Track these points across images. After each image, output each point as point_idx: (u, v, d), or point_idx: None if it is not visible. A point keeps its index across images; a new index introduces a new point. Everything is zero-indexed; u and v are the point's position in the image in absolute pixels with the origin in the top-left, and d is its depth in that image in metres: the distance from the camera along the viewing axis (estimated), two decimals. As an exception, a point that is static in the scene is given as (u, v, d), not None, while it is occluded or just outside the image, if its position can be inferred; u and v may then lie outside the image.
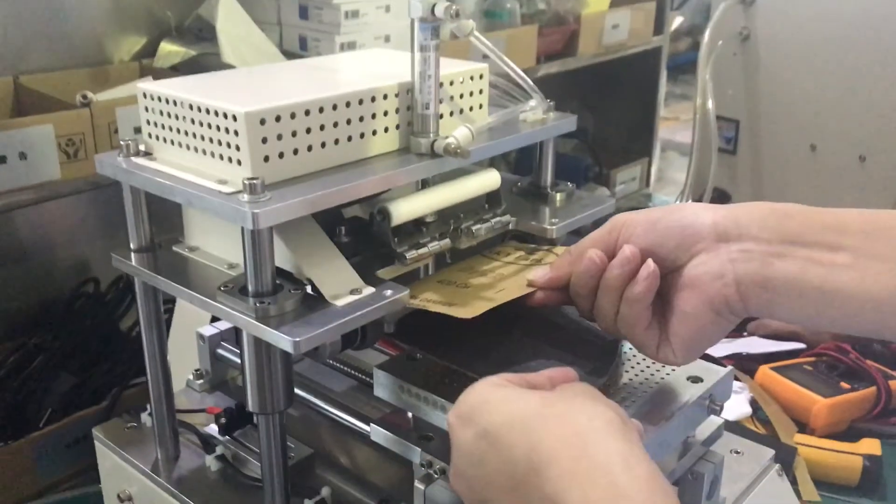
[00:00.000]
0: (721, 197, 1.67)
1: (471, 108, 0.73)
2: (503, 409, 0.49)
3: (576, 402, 0.49)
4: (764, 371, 1.28)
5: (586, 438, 0.46)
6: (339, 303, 0.60)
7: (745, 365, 1.32)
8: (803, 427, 1.21)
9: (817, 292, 0.53)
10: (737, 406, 1.20)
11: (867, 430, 1.21)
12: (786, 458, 1.07)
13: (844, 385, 1.24)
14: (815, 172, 1.57)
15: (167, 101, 0.64)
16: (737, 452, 0.78)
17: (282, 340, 0.56)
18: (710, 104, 1.57)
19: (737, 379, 1.27)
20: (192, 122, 0.62)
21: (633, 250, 0.58)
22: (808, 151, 1.58)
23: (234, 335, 0.84)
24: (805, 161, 1.58)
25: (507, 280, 0.68)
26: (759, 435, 1.15)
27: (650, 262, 0.57)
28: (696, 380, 0.65)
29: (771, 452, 0.79)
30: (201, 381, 0.86)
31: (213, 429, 0.78)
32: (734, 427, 1.03)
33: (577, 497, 0.43)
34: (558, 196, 0.79)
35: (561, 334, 0.67)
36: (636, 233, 0.59)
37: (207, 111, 0.60)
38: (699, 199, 1.65)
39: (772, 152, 1.63)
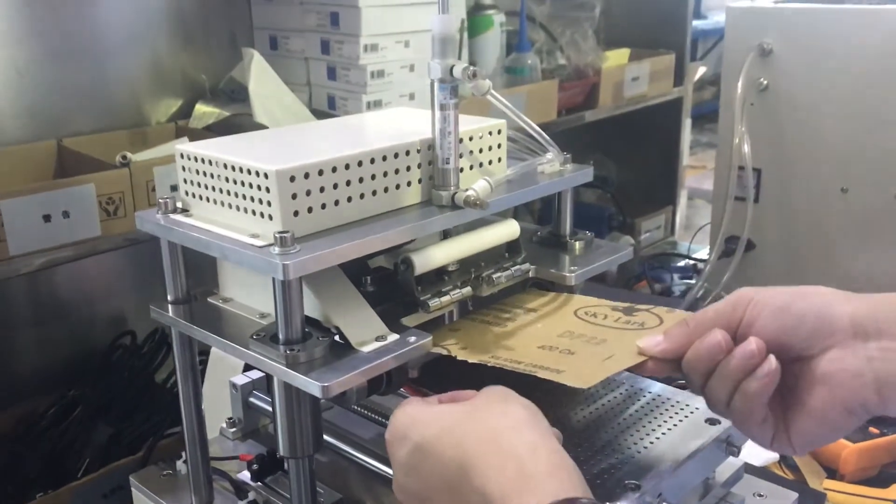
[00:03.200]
0: (748, 246, 1.68)
1: (490, 162, 0.76)
2: (432, 423, 0.56)
3: (491, 405, 0.56)
4: (791, 417, 1.28)
5: (499, 434, 0.53)
6: (366, 349, 0.62)
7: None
8: (832, 472, 1.19)
9: None
10: (763, 451, 1.19)
11: (898, 476, 1.19)
12: (815, 504, 1.07)
13: (873, 430, 1.23)
14: (848, 215, 1.57)
15: (203, 161, 0.68)
16: (760, 496, 0.79)
17: (311, 386, 0.59)
18: (745, 150, 1.59)
19: (764, 425, 1.27)
20: (227, 180, 0.66)
21: (759, 344, 0.55)
22: (838, 194, 1.58)
23: (266, 384, 0.87)
24: (836, 204, 1.58)
25: (613, 345, 0.65)
26: (787, 480, 1.15)
27: (772, 360, 0.55)
28: (713, 421, 0.67)
29: (795, 495, 0.79)
30: (234, 429, 0.88)
31: (245, 475, 0.81)
32: (761, 472, 1.03)
33: (495, 485, 0.50)
34: (577, 244, 0.82)
35: None
36: (763, 314, 0.56)
37: (241, 170, 0.64)
38: (729, 248, 1.65)
39: (799, 198, 1.64)
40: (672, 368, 0.60)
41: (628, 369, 0.61)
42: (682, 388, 0.71)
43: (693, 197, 2.93)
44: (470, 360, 0.65)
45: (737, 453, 0.68)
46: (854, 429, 0.56)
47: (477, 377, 0.65)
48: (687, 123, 2.29)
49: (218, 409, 0.89)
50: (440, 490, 0.53)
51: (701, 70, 3.64)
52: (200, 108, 1.40)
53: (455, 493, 0.52)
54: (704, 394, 0.58)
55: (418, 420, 0.57)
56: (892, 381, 0.53)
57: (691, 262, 2.03)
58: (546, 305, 0.76)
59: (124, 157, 1.13)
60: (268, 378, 0.77)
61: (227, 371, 0.91)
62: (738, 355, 0.55)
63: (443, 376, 0.69)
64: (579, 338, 0.68)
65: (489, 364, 0.64)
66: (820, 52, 1.55)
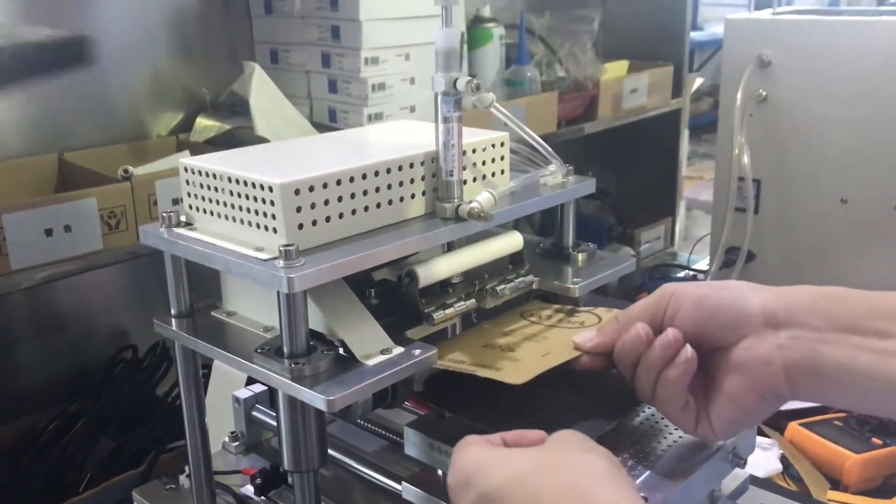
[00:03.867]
0: (748, 257, 1.68)
1: (493, 174, 0.76)
2: (500, 470, 0.52)
3: (569, 455, 0.52)
4: (793, 427, 1.28)
5: (582, 491, 0.49)
6: (370, 362, 0.62)
7: (774, 421, 1.32)
8: (836, 484, 1.19)
9: (868, 380, 0.53)
10: (767, 463, 1.19)
11: (902, 487, 1.19)
12: (819, 516, 1.07)
13: (876, 440, 1.23)
14: (848, 225, 1.58)
15: (207, 175, 0.68)
16: (765, 507, 0.78)
17: (316, 399, 0.59)
18: (745, 161, 1.59)
19: (766, 435, 1.27)
20: (231, 193, 0.66)
21: (675, 334, 0.58)
22: (838, 205, 1.59)
23: (269, 398, 0.86)
24: (836, 214, 1.59)
25: (552, 342, 0.69)
26: (791, 492, 1.14)
27: (688, 349, 0.58)
28: (719, 433, 0.67)
29: (799, 507, 0.79)
30: (237, 443, 0.88)
31: (248, 490, 0.80)
32: (765, 484, 1.03)
33: None
34: (580, 256, 0.82)
35: (585, 383, 0.68)
36: (684, 307, 0.60)
37: (245, 183, 0.64)
38: (730, 259, 1.65)
39: (799, 209, 1.64)
40: (606, 362, 0.64)
41: (565, 364, 0.64)
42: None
43: (691, 208, 2.93)
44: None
45: (743, 465, 0.67)
46: (769, 414, 0.59)
47: (486, 389, 0.65)
48: (685, 134, 2.30)
49: (221, 423, 0.89)
50: None
51: (698, 81, 3.65)
52: (201, 121, 1.40)
53: None
54: (634, 384, 0.62)
55: (484, 465, 0.53)
56: (800, 368, 0.55)
57: (692, 272, 2.04)
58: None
59: (126, 171, 1.13)
60: (272, 392, 0.76)
61: (229, 385, 0.91)
62: (657, 346, 0.59)
63: (448, 390, 0.69)
64: (521, 336, 0.71)
65: (436, 366, 0.65)
66: (818, 63, 1.56)
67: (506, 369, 0.64)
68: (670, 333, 0.58)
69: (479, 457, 0.54)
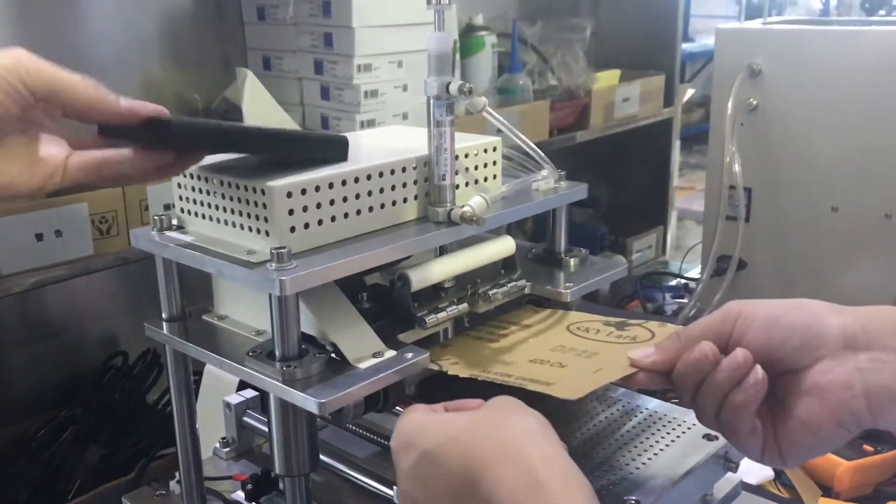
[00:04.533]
0: (739, 265, 1.68)
1: (485, 179, 0.77)
2: (439, 431, 0.55)
3: (503, 416, 0.55)
4: (786, 435, 1.28)
5: (511, 445, 0.51)
6: (362, 366, 0.62)
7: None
8: (828, 491, 1.19)
9: None
10: (759, 469, 1.19)
11: (893, 494, 1.19)
12: (811, 522, 1.07)
13: (868, 447, 1.23)
14: (839, 233, 1.58)
15: (199, 178, 0.68)
16: (757, 512, 0.78)
17: (308, 402, 0.58)
18: (735, 169, 1.60)
19: (758, 443, 1.27)
20: (223, 196, 0.66)
21: (746, 356, 0.55)
22: (829, 213, 1.59)
23: (260, 403, 0.86)
24: (827, 223, 1.59)
25: (603, 358, 0.66)
26: (783, 499, 1.14)
27: (758, 370, 0.55)
28: (711, 437, 0.67)
29: (791, 512, 0.79)
30: (228, 448, 0.87)
31: (239, 496, 0.80)
32: (757, 491, 1.03)
33: (505, 495, 0.49)
34: (572, 261, 0.82)
35: None
36: (753, 327, 0.57)
37: (237, 186, 0.64)
38: (721, 267, 1.66)
39: (790, 217, 1.65)
40: (663, 381, 0.61)
41: (619, 382, 0.61)
42: (679, 404, 0.70)
43: (683, 218, 2.94)
44: (461, 375, 0.65)
45: (735, 469, 0.67)
46: (845, 442, 0.56)
47: (477, 394, 0.64)
48: (676, 144, 2.31)
49: (211, 429, 0.88)
50: (446, 500, 0.52)
51: (689, 92, 3.68)
52: (193, 127, 1.39)
53: (463, 502, 0.51)
54: (694, 406, 0.59)
55: (425, 427, 0.56)
56: (883, 393, 0.52)
57: (683, 281, 2.04)
58: (541, 322, 0.76)
59: (117, 177, 1.13)
60: (263, 395, 0.76)
61: (220, 390, 0.90)
62: (725, 367, 0.55)
63: (440, 394, 0.69)
64: (571, 351, 0.68)
65: (480, 378, 0.64)
66: (809, 72, 1.57)
67: (558, 384, 0.61)
68: (740, 354, 0.55)
69: (419, 420, 0.56)
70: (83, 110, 0.60)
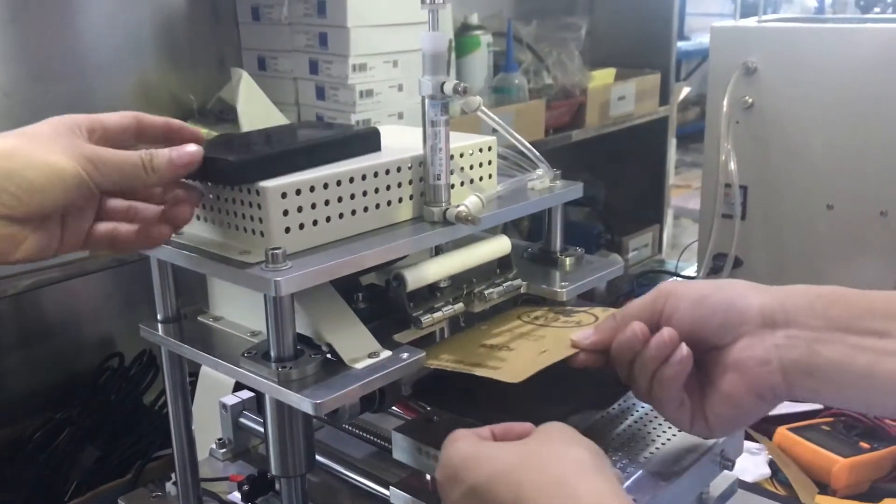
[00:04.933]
0: (735, 263, 1.69)
1: (480, 178, 0.76)
2: (486, 464, 0.53)
3: (553, 447, 0.53)
4: (782, 432, 1.28)
5: (563, 482, 0.50)
6: (358, 366, 0.62)
7: (763, 426, 1.32)
8: (824, 488, 1.20)
9: (865, 379, 0.54)
10: (755, 467, 1.19)
11: (889, 491, 1.20)
12: (808, 520, 1.07)
13: (864, 445, 1.23)
14: (834, 231, 1.58)
15: (192, 178, 0.67)
16: (754, 510, 0.78)
17: (303, 403, 0.58)
18: (731, 167, 1.60)
19: (754, 440, 1.27)
20: (217, 197, 0.66)
21: (671, 333, 0.59)
22: (824, 211, 1.59)
23: (256, 404, 0.86)
24: (822, 221, 1.60)
25: (548, 341, 0.69)
26: (780, 496, 1.14)
27: (683, 347, 0.58)
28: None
29: (788, 510, 0.79)
30: (224, 449, 0.87)
31: (235, 496, 0.80)
32: (754, 489, 1.03)
33: None
34: (568, 260, 0.82)
35: (571, 375, 0.68)
36: (681, 306, 0.60)
37: (231, 187, 0.64)
38: (717, 265, 1.66)
39: (785, 215, 1.65)
40: (602, 360, 0.64)
41: (563, 361, 0.64)
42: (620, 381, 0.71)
43: (679, 216, 2.95)
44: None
45: (731, 467, 0.67)
46: (766, 413, 0.59)
47: (477, 390, 0.64)
48: (672, 142, 2.31)
49: (208, 430, 0.88)
50: None
51: (685, 91, 3.68)
52: (188, 128, 1.39)
53: None
54: (630, 382, 0.62)
55: (472, 459, 0.54)
56: (796, 367, 0.56)
57: (679, 279, 2.04)
58: (502, 312, 0.78)
59: (112, 178, 1.12)
60: (259, 396, 0.76)
61: (216, 391, 0.90)
62: (653, 345, 0.59)
63: (438, 393, 0.69)
64: (517, 335, 0.71)
65: (432, 366, 0.66)
66: (804, 69, 1.57)
67: (503, 368, 0.64)
68: (665, 333, 0.59)
69: (466, 451, 0.54)
70: (140, 187, 0.59)
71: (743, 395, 0.57)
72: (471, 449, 0.55)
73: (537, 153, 0.79)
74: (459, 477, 0.53)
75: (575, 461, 0.51)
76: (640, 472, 0.62)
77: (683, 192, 3.30)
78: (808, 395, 0.57)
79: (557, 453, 0.52)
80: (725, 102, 1.61)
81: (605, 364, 0.64)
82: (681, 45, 2.97)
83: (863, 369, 0.54)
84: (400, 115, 1.41)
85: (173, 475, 0.81)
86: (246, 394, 0.87)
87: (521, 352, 0.68)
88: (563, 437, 0.54)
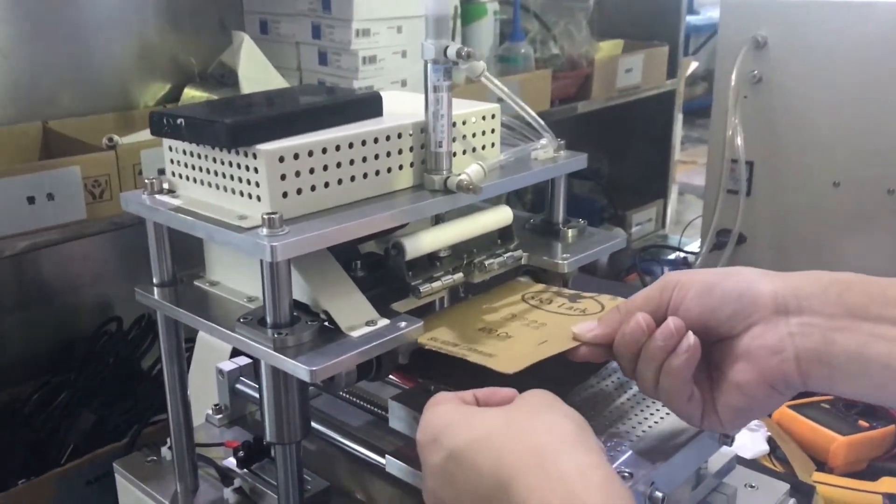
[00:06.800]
0: (739, 239, 1.67)
1: (483, 147, 0.75)
2: (467, 429, 0.52)
3: (534, 416, 0.52)
4: (781, 409, 1.28)
5: (544, 452, 0.48)
6: (355, 334, 0.61)
7: (763, 403, 1.31)
8: (822, 466, 1.20)
9: (881, 368, 0.52)
10: (754, 444, 1.19)
11: (887, 469, 1.20)
12: (804, 497, 1.06)
13: (863, 423, 1.23)
14: (840, 209, 1.57)
15: (189, 140, 0.66)
16: (751, 486, 0.78)
17: (299, 370, 0.58)
18: (738, 142, 1.59)
19: (754, 417, 1.27)
20: (214, 160, 0.64)
21: (677, 323, 0.56)
22: (830, 188, 1.58)
23: (253, 370, 0.85)
24: (828, 198, 1.58)
25: (550, 330, 0.67)
26: (777, 472, 1.14)
27: (690, 336, 0.56)
28: (706, 411, 0.66)
29: (786, 486, 0.79)
30: (220, 415, 0.87)
31: (231, 462, 0.79)
32: (752, 465, 1.02)
33: None
34: (570, 232, 0.81)
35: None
36: (688, 296, 0.58)
37: (229, 149, 0.63)
38: (721, 241, 1.65)
39: (791, 192, 1.63)
40: (605, 354, 0.62)
41: (563, 354, 0.62)
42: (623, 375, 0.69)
43: (683, 192, 2.93)
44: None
45: (730, 443, 0.67)
46: (779, 405, 0.57)
47: (466, 367, 0.64)
48: (679, 117, 2.29)
49: (204, 396, 0.88)
50: (473, 503, 0.50)
51: (693, 65, 3.64)
52: (189, 92, 1.38)
53: None
54: (635, 377, 0.60)
55: (453, 423, 0.53)
56: (811, 356, 0.53)
57: (682, 255, 2.03)
58: (498, 288, 0.76)
59: (111, 140, 1.11)
60: (255, 363, 0.75)
61: (213, 357, 0.90)
62: (658, 336, 0.57)
63: (434, 363, 0.68)
64: (520, 321, 0.69)
65: (426, 347, 0.64)
66: (814, 44, 1.55)
67: (499, 356, 0.62)
68: (671, 322, 0.56)
69: (447, 415, 0.54)
70: None
71: (755, 385, 0.55)
72: (452, 413, 0.54)
73: (541, 122, 0.77)
74: (440, 441, 0.52)
75: (557, 431, 0.50)
76: (639, 446, 0.62)
77: (688, 169, 3.27)
78: (822, 385, 0.54)
79: (540, 422, 0.51)
80: (734, 76, 1.58)
81: (607, 358, 0.62)
82: (689, 18, 2.93)
83: (879, 358, 0.52)
84: (403, 83, 1.39)
85: (169, 440, 0.80)
86: (243, 360, 0.86)
87: (520, 339, 0.66)
88: (547, 405, 0.53)
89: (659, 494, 0.59)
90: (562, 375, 0.60)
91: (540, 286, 0.76)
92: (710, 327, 0.57)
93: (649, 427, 0.64)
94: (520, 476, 0.47)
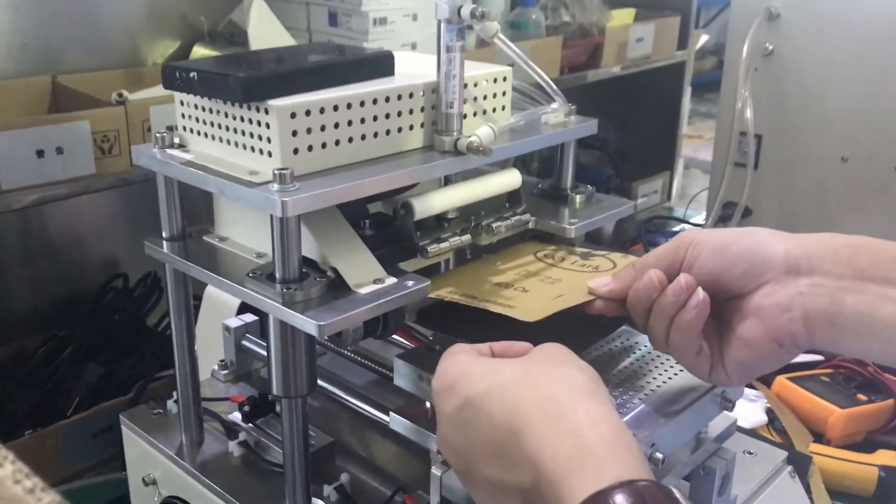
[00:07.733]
0: (745, 213, 1.67)
1: (494, 109, 0.75)
2: (483, 379, 0.52)
3: (549, 368, 0.53)
4: (781, 381, 1.28)
5: (557, 402, 0.49)
6: (363, 291, 0.62)
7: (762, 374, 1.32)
8: (819, 437, 1.21)
9: (888, 330, 0.53)
10: (753, 414, 1.20)
11: (884, 442, 1.21)
12: (801, 467, 1.08)
13: (861, 397, 1.23)
14: (848, 184, 1.56)
15: (202, 95, 0.66)
16: (750, 453, 0.79)
17: (307, 324, 0.58)
18: (747, 115, 1.58)
19: (753, 387, 1.28)
20: (226, 115, 0.65)
21: (688, 279, 0.58)
22: (838, 164, 1.57)
23: (259, 328, 0.86)
24: (836, 173, 1.57)
25: (565, 285, 0.68)
26: (775, 442, 1.15)
27: (700, 292, 0.57)
28: (709, 376, 0.67)
29: (784, 454, 0.80)
30: (226, 371, 0.87)
31: (236, 416, 0.81)
32: (750, 435, 1.03)
33: (549, 455, 0.46)
34: (578, 198, 0.81)
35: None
36: (703, 254, 0.59)
37: (240, 104, 0.63)
38: (726, 214, 1.65)
39: (799, 166, 1.63)
40: (618, 308, 0.63)
41: (578, 307, 0.64)
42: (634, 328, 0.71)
43: (689, 166, 2.91)
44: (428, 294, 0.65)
45: (731, 408, 0.68)
46: (785, 362, 0.58)
47: (477, 320, 0.64)
48: (688, 90, 2.27)
49: (210, 352, 0.88)
50: (486, 451, 0.50)
51: (703, 38, 3.61)
52: (198, 50, 1.37)
53: (502, 456, 0.49)
54: (647, 331, 0.61)
55: (469, 373, 0.53)
56: (820, 315, 0.55)
57: (687, 226, 2.03)
58: (513, 247, 0.77)
59: (120, 95, 1.11)
60: (262, 318, 0.76)
61: (220, 314, 0.90)
62: (669, 292, 0.58)
63: (441, 322, 0.69)
64: (535, 277, 0.71)
65: (445, 299, 0.65)
66: (828, 17, 1.53)
67: (518, 307, 0.64)
68: (682, 278, 0.58)
69: (464, 365, 0.54)
70: None
71: (762, 340, 0.56)
72: (469, 362, 0.54)
73: (553, 86, 0.77)
74: (455, 389, 0.53)
75: (571, 382, 0.51)
76: (641, 407, 0.62)
77: (695, 143, 3.25)
78: (828, 345, 0.56)
79: (554, 373, 0.52)
80: (745, 48, 1.57)
81: (621, 313, 0.64)
82: (701, -10, 2.90)
83: (886, 320, 0.53)
84: (413, 46, 1.38)
85: (175, 393, 0.81)
86: (249, 317, 0.87)
87: (536, 293, 0.67)
88: (561, 358, 0.54)
89: (659, 455, 0.59)
90: (570, 338, 0.61)
91: (552, 246, 0.77)
92: (721, 285, 0.58)
93: (651, 391, 0.65)
94: (532, 425, 0.48)
